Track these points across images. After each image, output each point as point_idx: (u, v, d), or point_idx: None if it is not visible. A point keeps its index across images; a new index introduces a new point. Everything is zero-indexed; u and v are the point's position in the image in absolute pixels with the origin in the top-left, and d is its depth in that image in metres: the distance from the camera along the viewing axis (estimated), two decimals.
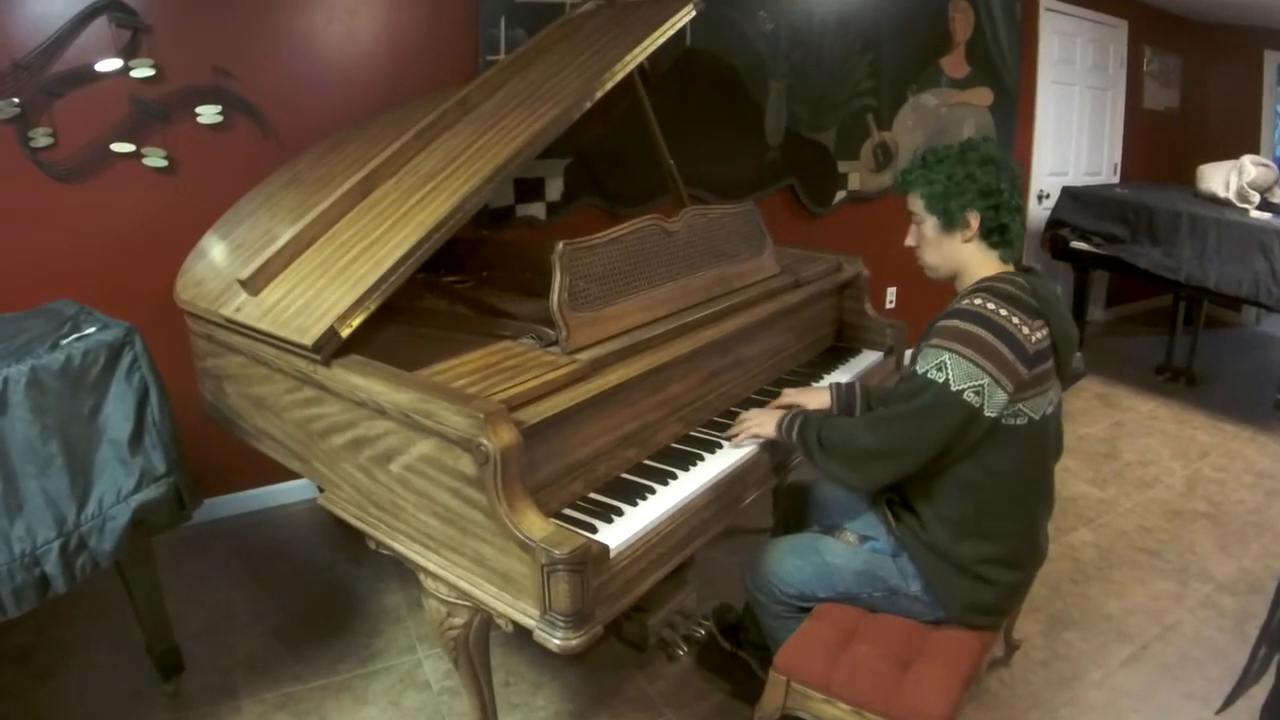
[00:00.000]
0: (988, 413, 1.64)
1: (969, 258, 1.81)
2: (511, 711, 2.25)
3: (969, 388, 1.62)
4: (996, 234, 1.77)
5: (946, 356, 1.64)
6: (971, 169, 1.74)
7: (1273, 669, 1.57)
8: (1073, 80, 5.53)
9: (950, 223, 1.79)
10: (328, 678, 2.39)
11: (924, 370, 1.67)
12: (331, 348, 1.76)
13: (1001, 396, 1.64)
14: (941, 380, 1.64)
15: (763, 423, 1.99)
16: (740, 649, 2.32)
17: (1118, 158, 6.01)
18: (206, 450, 2.65)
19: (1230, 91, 6.23)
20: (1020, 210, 1.80)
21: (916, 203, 1.84)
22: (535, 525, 1.47)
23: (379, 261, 1.82)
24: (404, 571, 1.87)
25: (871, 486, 1.86)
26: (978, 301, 1.69)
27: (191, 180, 2.92)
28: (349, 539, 2.97)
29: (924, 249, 1.88)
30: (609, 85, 2.18)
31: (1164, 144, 6.28)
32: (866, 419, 1.79)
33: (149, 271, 2.79)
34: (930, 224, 1.83)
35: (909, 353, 2.78)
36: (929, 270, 1.90)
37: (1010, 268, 1.81)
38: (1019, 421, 1.69)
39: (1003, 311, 1.67)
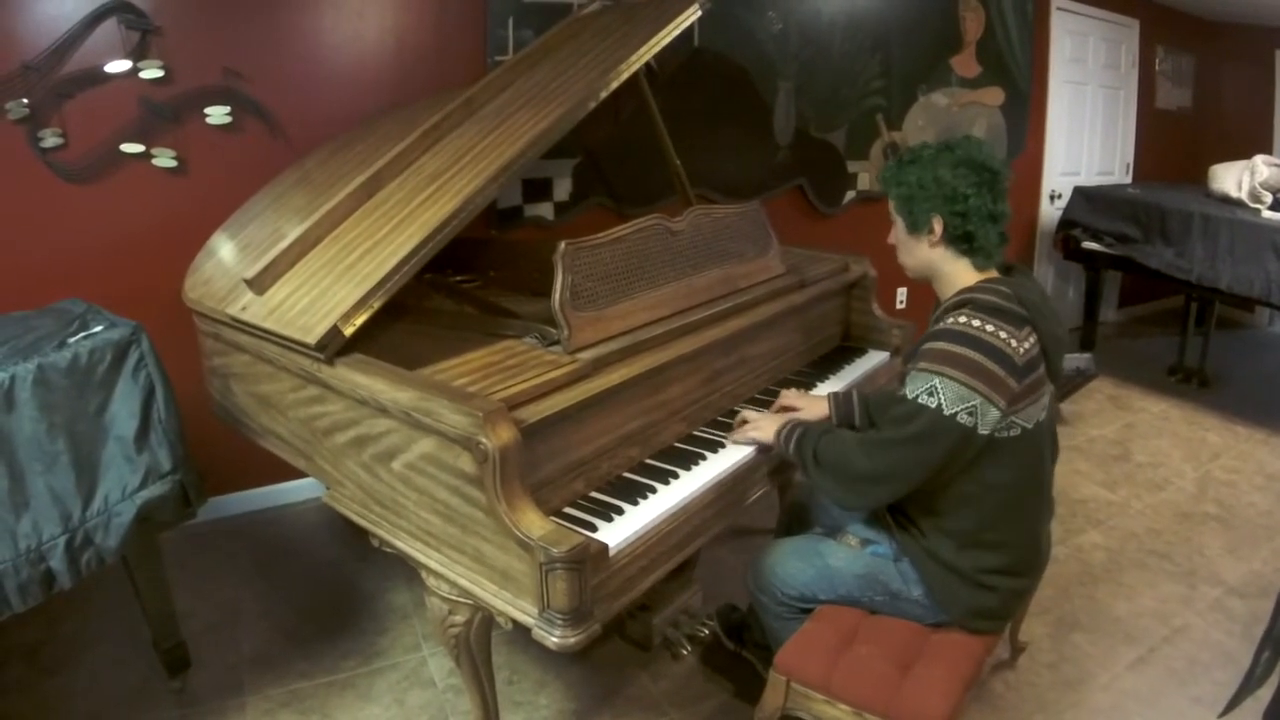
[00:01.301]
0: (982, 431, 1.62)
1: (939, 263, 1.78)
2: (515, 710, 2.26)
3: (962, 410, 1.60)
4: (963, 241, 1.73)
5: (937, 381, 1.61)
6: (942, 172, 1.70)
7: (1276, 673, 1.56)
8: (1085, 79, 5.50)
9: (915, 226, 1.76)
10: (333, 675, 2.40)
11: (915, 395, 1.64)
12: (335, 346, 1.77)
13: (995, 414, 1.62)
14: (934, 405, 1.61)
15: (762, 427, 1.98)
16: (744, 649, 2.32)
17: (1130, 157, 5.97)
18: (214, 448, 2.67)
19: (1243, 91, 6.19)
20: (997, 218, 1.72)
21: (890, 203, 1.82)
22: (534, 523, 1.47)
23: (383, 261, 1.83)
24: (410, 569, 1.88)
25: (865, 508, 1.87)
26: (962, 320, 1.65)
27: (201, 181, 2.94)
28: (356, 537, 2.98)
29: (899, 249, 1.86)
30: (614, 85, 2.18)
31: (1176, 144, 6.23)
32: (862, 441, 1.74)
33: (158, 271, 2.81)
34: (900, 225, 1.81)
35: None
36: (905, 270, 1.87)
37: (991, 274, 1.76)
38: (1013, 433, 1.67)
39: (989, 327, 1.63)
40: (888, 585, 1.84)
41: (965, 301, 1.69)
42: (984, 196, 1.69)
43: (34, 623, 2.50)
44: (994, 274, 1.77)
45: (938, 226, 1.72)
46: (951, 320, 1.67)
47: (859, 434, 1.83)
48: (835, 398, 2.17)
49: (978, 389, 1.60)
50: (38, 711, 2.25)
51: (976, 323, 1.64)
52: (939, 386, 1.61)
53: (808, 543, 1.98)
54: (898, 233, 1.83)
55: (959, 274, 1.76)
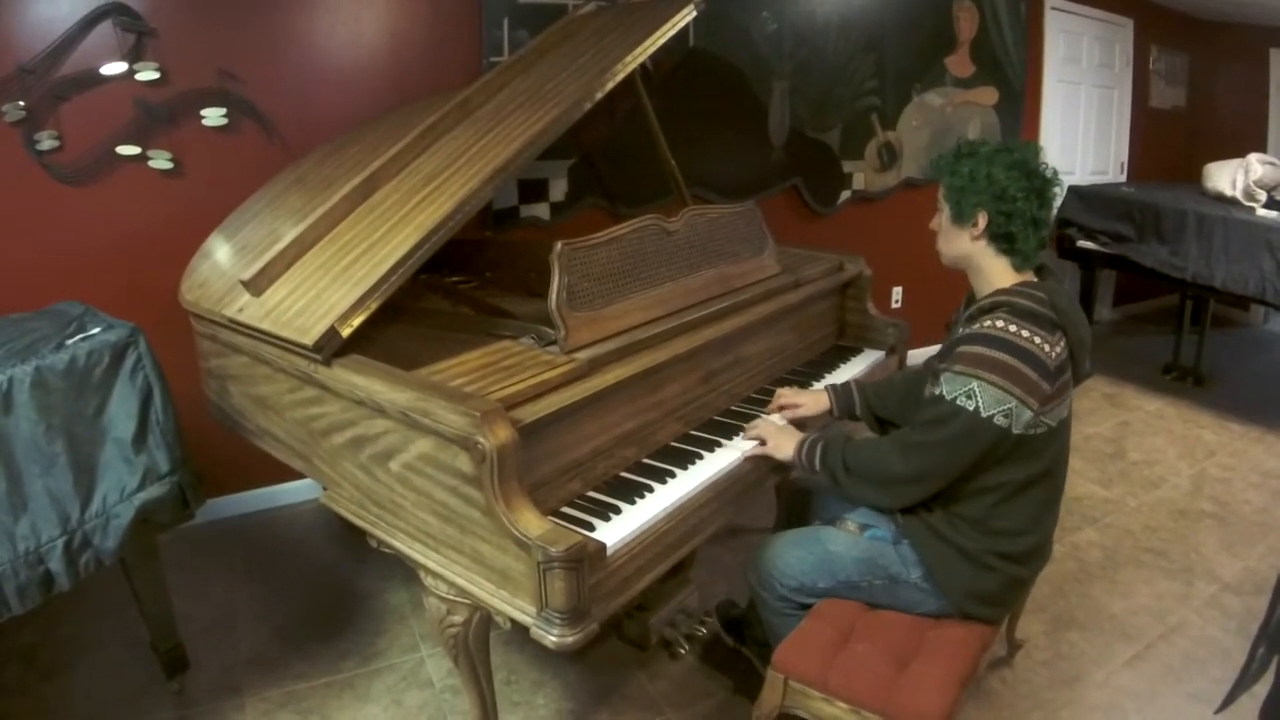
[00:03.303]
0: (1015, 431, 1.67)
1: (977, 257, 1.81)
2: (513, 710, 2.26)
3: (998, 412, 1.65)
4: (1004, 240, 1.76)
5: (975, 384, 1.66)
6: (995, 170, 1.74)
7: (1272, 668, 1.56)
8: (1079, 79, 5.51)
9: (959, 216, 1.80)
10: (331, 676, 2.40)
11: (953, 397, 1.68)
12: (332, 348, 1.77)
13: (1028, 415, 1.67)
14: (971, 408, 1.66)
15: (780, 445, 1.98)
16: (743, 645, 2.33)
17: (1124, 156, 5.99)
18: (211, 450, 2.66)
19: (1237, 90, 6.20)
20: (1040, 224, 1.77)
21: (940, 189, 1.86)
22: (531, 523, 1.48)
23: (379, 262, 1.83)
24: (408, 570, 1.89)
25: (899, 506, 1.87)
26: (999, 324, 1.69)
27: (197, 182, 2.94)
28: (353, 538, 2.99)
29: (939, 236, 1.90)
30: (609, 86, 2.19)
31: (1170, 143, 6.25)
32: (897, 443, 1.79)
33: (154, 273, 2.81)
34: (945, 213, 1.85)
35: (912, 354, 2.80)
36: (941, 259, 1.91)
37: (1027, 275, 1.80)
38: (1039, 431, 1.71)
39: (1024, 333, 1.67)
40: (887, 569, 1.86)
41: (1001, 304, 1.73)
42: (1031, 201, 1.74)
43: (32, 625, 2.50)
44: (1029, 275, 1.81)
45: (981, 220, 1.77)
46: (989, 324, 1.71)
47: (890, 436, 1.86)
48: (834, 389, 2.21)
49: (1013, 392, 1.65)
50: (36, 713, 2.25)
51: (1013, 328, 1.68)
52: (977, 390, 1.66)
53: (807, 532, 2.00)
54: (942, 220, 1.87)
55: (996, 272, 1.80)
